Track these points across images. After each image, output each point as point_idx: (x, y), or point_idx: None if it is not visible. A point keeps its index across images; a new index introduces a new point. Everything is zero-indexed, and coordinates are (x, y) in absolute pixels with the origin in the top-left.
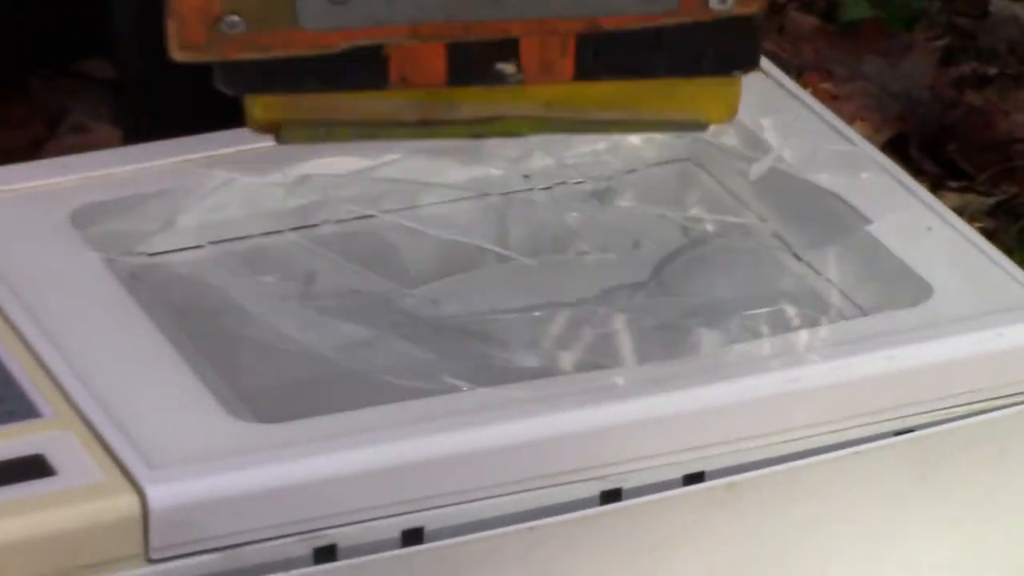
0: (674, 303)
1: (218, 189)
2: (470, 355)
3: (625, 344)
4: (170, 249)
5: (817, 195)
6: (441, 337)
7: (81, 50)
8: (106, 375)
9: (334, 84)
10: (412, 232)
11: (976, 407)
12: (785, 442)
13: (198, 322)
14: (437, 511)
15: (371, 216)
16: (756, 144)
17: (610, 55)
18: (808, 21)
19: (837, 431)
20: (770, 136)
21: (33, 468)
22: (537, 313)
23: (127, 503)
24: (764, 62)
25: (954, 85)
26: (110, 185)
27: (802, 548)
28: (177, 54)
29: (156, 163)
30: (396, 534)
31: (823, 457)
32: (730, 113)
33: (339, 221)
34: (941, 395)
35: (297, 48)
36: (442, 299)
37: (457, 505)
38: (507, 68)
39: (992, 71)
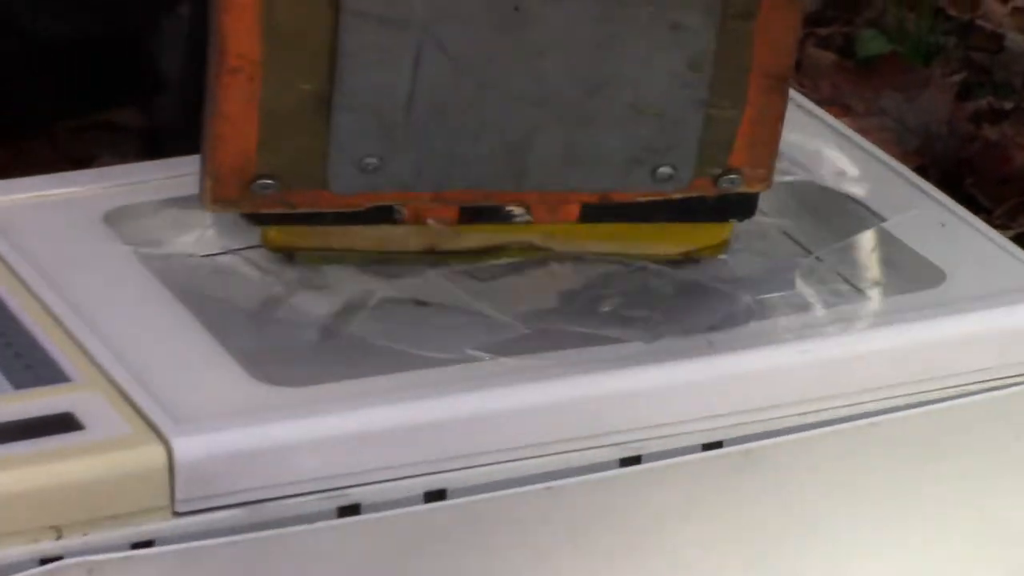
0: (695, 294)
1: None
2: (489, 330)
3: (644, 315)
4: (200, 250)
5: (832, 198)
6: (460, 310)
7: (110, 100)
8: (133, 345)
9: (351, 221)
10: None
11: (988, 384)
12: (802, 413)
13: (224, 305)
14: (459, 472)
15: None
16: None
17: (614, 204)
18: (826, 57)
19: (852, 404)
20: (792, 151)
21: (63, 423)
22: (557, 285)
23: (154, 454)
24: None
25: (971, 119)
26: (143, 191)
27: (818, 516)
28: (209, 207)
29: (188, 172)
30: (419, 493)
31: (839, 427)
32: (722, 250)
33: None
34: (954, 371)
35: (324, 206)
36: (464, 274)
37: (479, 468)
38: (516, 210)
39: (1008, 105)
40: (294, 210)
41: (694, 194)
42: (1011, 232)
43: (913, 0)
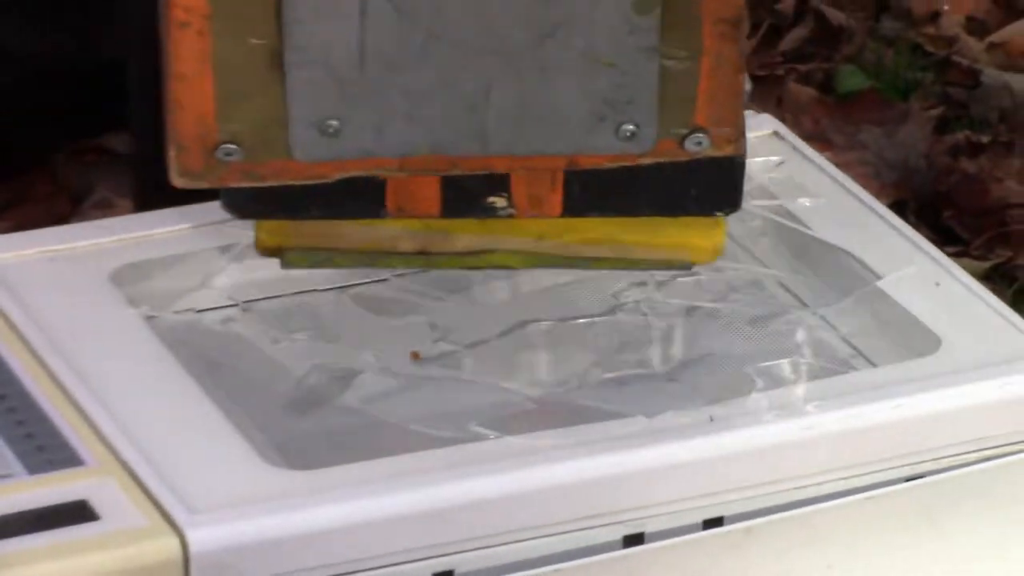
0: (694, 353)
1: (248, 250)
2: (493, 404)
3: (645, 393)
4: (206, 307)
5: (829, 252)
6: (463, 388)
7: (104, 125)
8: (145, 425)
9: (334, 213)
10: (426, 295)
11: (984, 454)
12: (800, 488)
13: (232, 375)
14: (466, 555)
15: (386, 280)
16: (776, 210)
17: (596, 192)
18: (806, 92)
19: (850, 477)
20: (788, 201)
21: (77, 513)
22: (561, 363)
23: (169, 546)
24: (783, 129)
25: (949, 153)
26: (147, 246)
27: None
28: (177, 180)
29: (190, 225)
30: None
31: (837, 502)
32: (714, 254)
33: (361, 283)
34: (950, 443)
35: (291, 177)
36: (464, 353)
37: (485, 549)
38: (498, 202)
39: (985, 139)
40: (262, 183)
41: (663, 159)
42: (989, 263)
43: (891, 37)
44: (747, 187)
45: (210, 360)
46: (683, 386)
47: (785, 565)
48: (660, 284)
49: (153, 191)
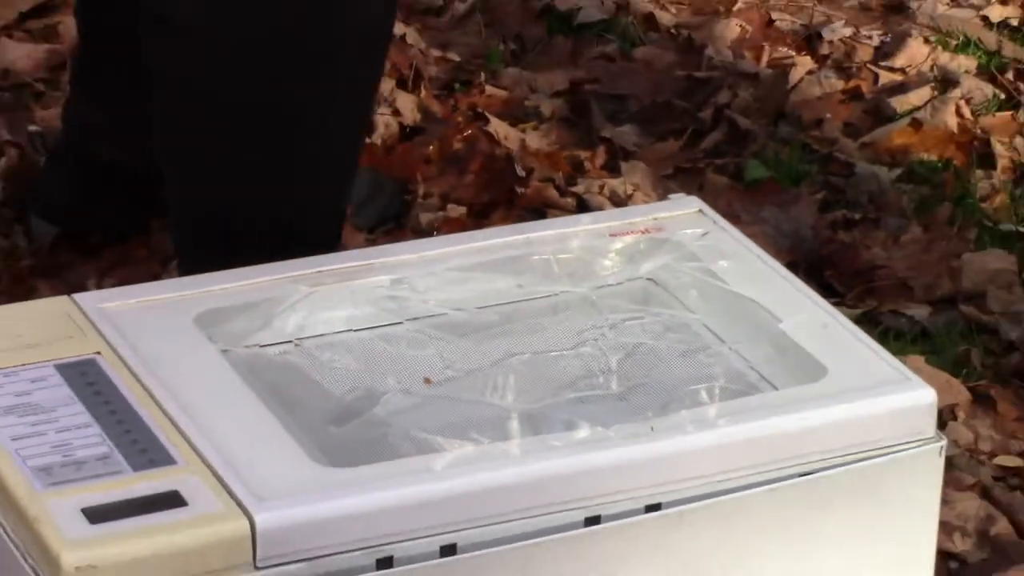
0: (639, 379)
1: (303, 299)
2: (486, 417)
3: (601, 409)
4: (268, 343)
5: (741, 301)
6: (464, 405)
7: None
8: (221, 433)
9: None
10: (433, 335)
11: (859, 456)
12: (719, 481)
13: (288, 395)
14: (466, 532)
15: (401, 323)
16: (700, 270)
17: None
18: (721, 180)
19: (757, 473)
20: (710, 263)
21: (170, 501)
22: (537, 385)
23: (241, 526)
24: (706, 207)
25: (829, 227)
26: (221, 296)
27: (741, 563)
28: None
29: (258, 279)
30: (436, 548)
31: (747, 492)
32: None
33: (384, 326)
34: (833, 448)
35: None
36: (464, 378)
37: (480, 528)
38: None
39: (858, 216)
40: None
41: None
42: (859, 310)
43: (787, 139)
44: (678, 252)
45: (271, 384)
46: (631, 404)
47: (709, 541)
48: (612, 326)
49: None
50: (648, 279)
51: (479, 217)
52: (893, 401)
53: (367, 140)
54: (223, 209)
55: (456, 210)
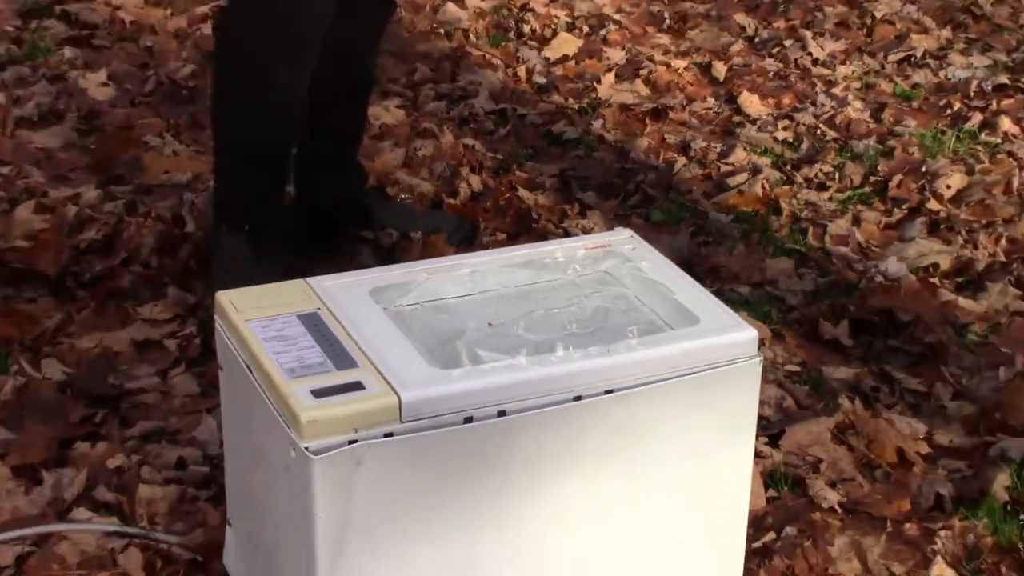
0: (597, 324)
1: (424, 281)
2: (518, 343)
3: (580, 339)
4: (407, 304)
5: (655, 284)
6: (507, 337)
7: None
8: (381, 351)
9: None
10: (492, 301)
11: (717, 365)
12: (636, 378)
13: (417, 332)
14: (510, 404)
15: (474, 295)
16: (633, 268)
17: None
18: (639, 221)
19: (658, 375)
20: (638, 264)
21: (356, 386)
22: (546, 327)
23: (393, 400)
24: (635, 235)
25: (696, 246)
26: (382, 279)
27: (636, 441)
28: None
29: (400, 271)
30: (494, 412)
31: (649, 386)
32: None
33: (468, 295)
34: (702, 361)
35: None
36: (515, 323)
37: (518, 402)
38: None
39: (711, 240)
40: None
41: None
42: (714, 289)
43: (673, 199)
44: (620, 258)
45: (408, 326)
46: (595, 337)
47: (629, 414)
48: (585, 296)
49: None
50: (605, 272)
51: (512, 239)
52: (734, 335)
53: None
54: None
55: (500, 236)
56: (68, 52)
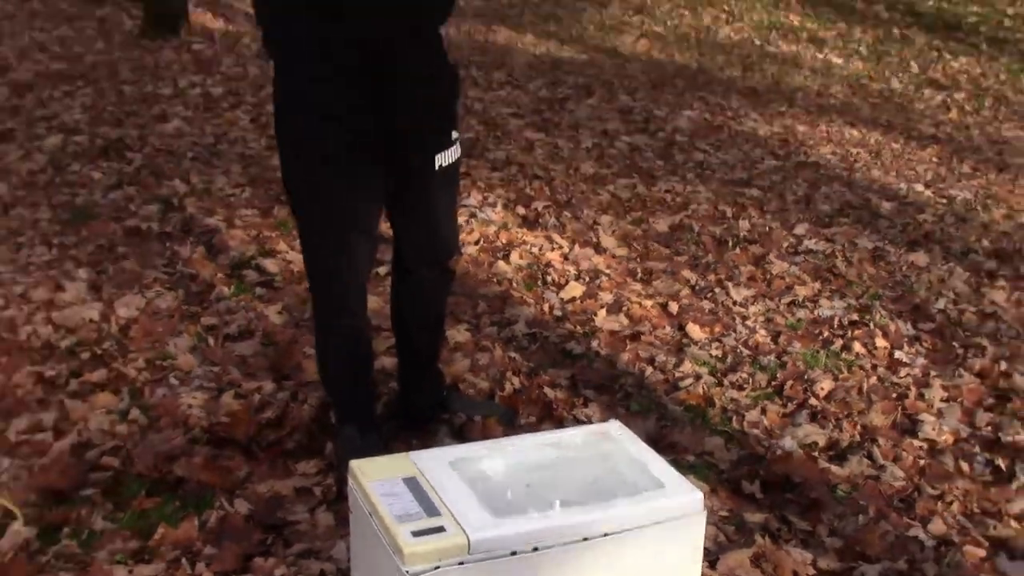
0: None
1: (486, 456)
2: (543, 502)
3: (578, 498)
4: (475, 471)
5: (639, 463)
6: (535, 498)
7: None
8: (457, 503)
9: None
10: (524, 472)
11: (673, 517)
12: (608, 529)
13: (481, 490)
14: (541, 543)
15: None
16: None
17: None
18: (621, 411)
19: (632, 527)
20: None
21: (439, 529)
22: (560, 492)
23: (464, 540)
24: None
25: None
26: (457, 453)
27: None
28: None
29: (468, 451)
30: (530, 548)
31: (617, 535)
32: None
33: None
34: (661, 515)
35: None
36: (539, 487)
37: (545, 541)
38: None
39: None
40: None
41: None
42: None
43: None
44: (614, 446)
45: (474, 487)
46: (596, 498)
47: (595, 563)
48: (590, 468)
49: None
50: (601, 451)
51: (539, 422)
52: (688, 496)
53: None
54: None
55: (531, 419)
56: (258, 291)
